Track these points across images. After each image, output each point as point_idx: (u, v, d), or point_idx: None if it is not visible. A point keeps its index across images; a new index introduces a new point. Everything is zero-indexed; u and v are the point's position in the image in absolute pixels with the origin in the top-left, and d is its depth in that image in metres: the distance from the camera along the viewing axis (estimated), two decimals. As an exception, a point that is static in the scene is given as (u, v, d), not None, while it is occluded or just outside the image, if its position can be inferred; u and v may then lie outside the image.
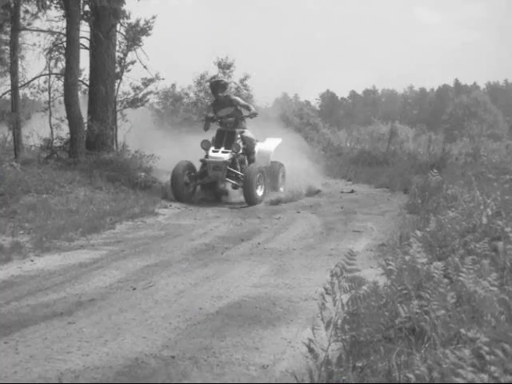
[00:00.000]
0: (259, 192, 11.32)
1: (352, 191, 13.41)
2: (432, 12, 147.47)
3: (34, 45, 12.96)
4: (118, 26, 13.10)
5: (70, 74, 12.07)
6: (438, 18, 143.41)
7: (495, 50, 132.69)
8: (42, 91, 13.20)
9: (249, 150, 12.09)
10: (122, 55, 13.35)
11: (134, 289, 5.03)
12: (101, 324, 4.04)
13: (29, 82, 12.89)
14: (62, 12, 12.52)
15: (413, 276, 3.73)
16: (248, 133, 12.13)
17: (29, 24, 12.75)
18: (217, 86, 12.19)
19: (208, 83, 12.27)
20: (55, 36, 12.78)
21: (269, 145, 12.82)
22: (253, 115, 11.97)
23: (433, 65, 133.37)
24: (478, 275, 3.53)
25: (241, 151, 11.81)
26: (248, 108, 12.12)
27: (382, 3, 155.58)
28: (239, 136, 11.88)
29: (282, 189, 12.64)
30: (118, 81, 13.33)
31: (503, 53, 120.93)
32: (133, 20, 13.21)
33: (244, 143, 11.96)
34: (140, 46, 13.34)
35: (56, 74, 12.93)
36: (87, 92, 13.31)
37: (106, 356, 3.42)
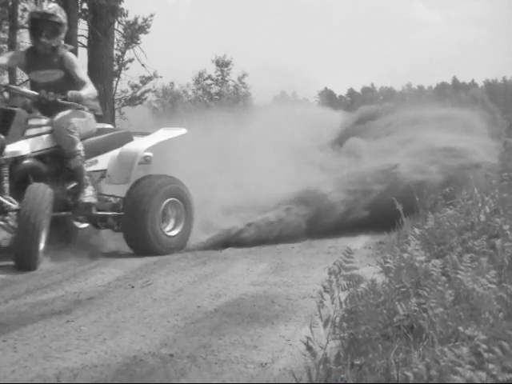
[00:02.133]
0: (41, 243, 5.66)
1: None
2: (430, 10, 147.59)
3: (32, 43, 12.97)
4: (116, 24, 13.15)
5: (68, 72, 12.08)
6: (436, 15, 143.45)
7: (494, 47, 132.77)
8: (41, 89, 13.23)
9: (67, 151, 6.22)
10: (120, 53, 13.41)
11: (133, 287, 5.03)
12: (99, 322, 4.04)
13: (27, 81, 12.91)
14: (59, 10, 12.53)
15: (411, 274, 3.73)
16: (69, 116, 6.29)
17: (27, 22, 12.76)
18: (41, 22, 6.34)
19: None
20: (53, 34, 12.78)
21: (143, 142, 6.97)
22: (75, 100, 6.20)
23: (431, 62, 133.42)
24: (476, 273, 3.54)
25: (22, 153, 5.97)
26: (84, 85, 6.41)
27: (380, 0, 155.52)
28: (35, 123, 6.18)
29: (173, 233, 6.74)
30: (116, 79, 13.36)
31: (502, 50, 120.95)
32: (131, 18, 13.28)
33: (56, 136, 6.24)
34: (138, 44, 13.41)
35: (54, 72, 12.94)
36: (85, 90, 13.32)
37: (105, 354, 3.42)
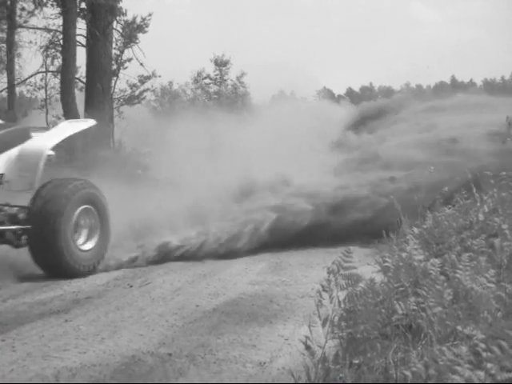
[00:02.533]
0: None
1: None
2: (428, 9, 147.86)
3: (31, 42, 13.01)
4: (115, 23, 13.10)
5: (66, 71, 12.07)
6: (435, 14, 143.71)
7: (492, 46, 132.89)
8: (39, 89, 13.26)
9: None
10: (118, 52, 13.38)
11: (131, 286, 5.02)
12: (97, 322, 4.03)
13: (25, 80, 12.95)
14: (58, 9, 12.54)
15: (409, 273, 3.73)
16: None
17: (25, 21, 12.78)
18: None
19: None
20: (52, 33, 12.82)
21: (46, 139, 5.82)
22: None
23: (429, 62, 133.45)
24: (474, 272, 3.54)
25: None
26: None
27: (378, 0, 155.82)
28: None
29: (88, 247, 5.66)
30: (115, 78, 13.33)
31: (500, 50, 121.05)
32: (129, 17, 13.25)
33: None
34: (136, 43, 13.36)
35: (52, 71, 12.96)
36: (84, 89, 13.31)
37: (103, 353, 3.42)
